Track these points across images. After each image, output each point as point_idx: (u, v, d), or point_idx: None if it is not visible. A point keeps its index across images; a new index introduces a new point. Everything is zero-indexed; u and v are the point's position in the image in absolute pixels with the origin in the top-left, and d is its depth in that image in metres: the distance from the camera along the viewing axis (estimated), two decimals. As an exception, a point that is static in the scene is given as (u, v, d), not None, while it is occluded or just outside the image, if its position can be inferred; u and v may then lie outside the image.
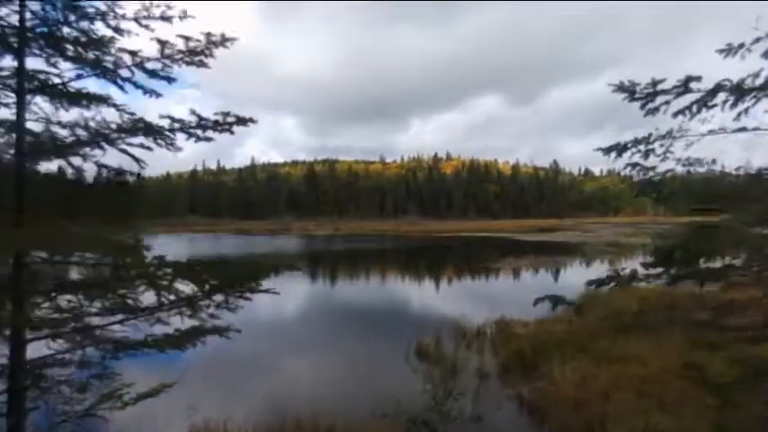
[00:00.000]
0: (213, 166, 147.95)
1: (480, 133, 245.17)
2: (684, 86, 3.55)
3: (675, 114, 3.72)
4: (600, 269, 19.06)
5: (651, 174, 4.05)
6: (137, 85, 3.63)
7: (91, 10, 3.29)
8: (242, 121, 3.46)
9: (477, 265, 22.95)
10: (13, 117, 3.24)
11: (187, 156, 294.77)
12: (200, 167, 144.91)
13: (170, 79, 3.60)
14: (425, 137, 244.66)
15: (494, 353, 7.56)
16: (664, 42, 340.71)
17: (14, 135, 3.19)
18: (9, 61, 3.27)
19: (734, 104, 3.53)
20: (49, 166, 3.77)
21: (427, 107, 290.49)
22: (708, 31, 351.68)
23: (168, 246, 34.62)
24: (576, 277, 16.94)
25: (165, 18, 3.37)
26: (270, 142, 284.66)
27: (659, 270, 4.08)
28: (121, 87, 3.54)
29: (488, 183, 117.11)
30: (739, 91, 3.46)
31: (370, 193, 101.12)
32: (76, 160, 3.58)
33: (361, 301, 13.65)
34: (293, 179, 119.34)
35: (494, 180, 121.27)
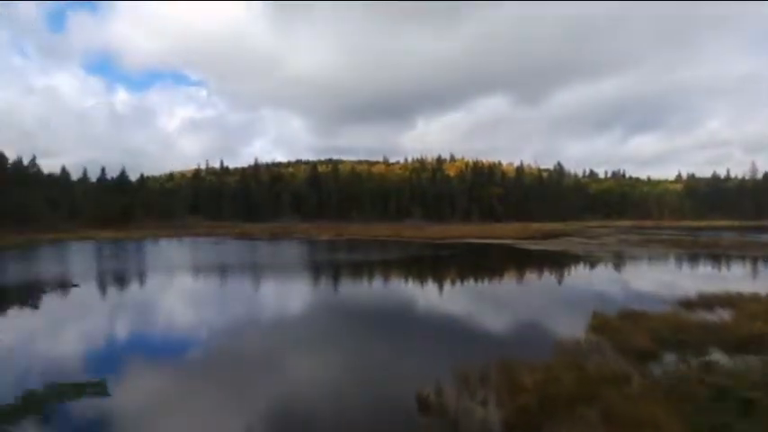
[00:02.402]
0: (219, 165, 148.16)
1: (485, 133, 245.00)
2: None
3: None
4: (608, 294, 18.55)
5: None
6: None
7: None
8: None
9: (478, 281, 22.51)
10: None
11: (192, 154, 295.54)
12: (203, 167, 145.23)
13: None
14: (430, 137, 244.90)
15: (498, 405, 7.08)
16: (670, 44, 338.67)
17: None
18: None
19: None
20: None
21: (433, 107, 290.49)
22: (714, 34, 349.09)
23: (170, 249, 34.26)
24: (582, 302, 16.42)
25: None
26: (276, 141, 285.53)
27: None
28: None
29: (492, 185, 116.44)
30: None
31: (373, 196, 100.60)
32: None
33: (357, 331, 13.15)
34: (297, 180, 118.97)
35: (497, 182, 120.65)
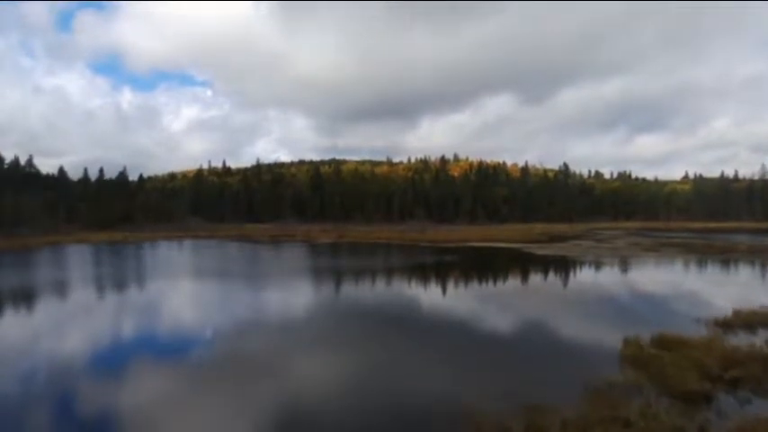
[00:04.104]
0: (221, 165, 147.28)
1: (489, 134, 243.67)
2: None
3: None
4: (633, 310, 17.10)
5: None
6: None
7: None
8: None
9: (488, 295, 21.11)
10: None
11: (197, 154, 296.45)
12: (205, 166, 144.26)
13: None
14: (435, 137, 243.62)
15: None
16: (675, 44, 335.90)
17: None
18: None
19: None
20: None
21: (437, 107, 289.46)
22: (720, 34, 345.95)
23: (167, 255, 32.44)
24: (606, 321, 14.95)
25: None
26: (280, 141, 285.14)
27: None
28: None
29: (497, 186, 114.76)
30: None
31: (376, 197, 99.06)
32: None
33: (356, 357, 11.73)
34: (298, 180, 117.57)
35: (502, 183, 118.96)
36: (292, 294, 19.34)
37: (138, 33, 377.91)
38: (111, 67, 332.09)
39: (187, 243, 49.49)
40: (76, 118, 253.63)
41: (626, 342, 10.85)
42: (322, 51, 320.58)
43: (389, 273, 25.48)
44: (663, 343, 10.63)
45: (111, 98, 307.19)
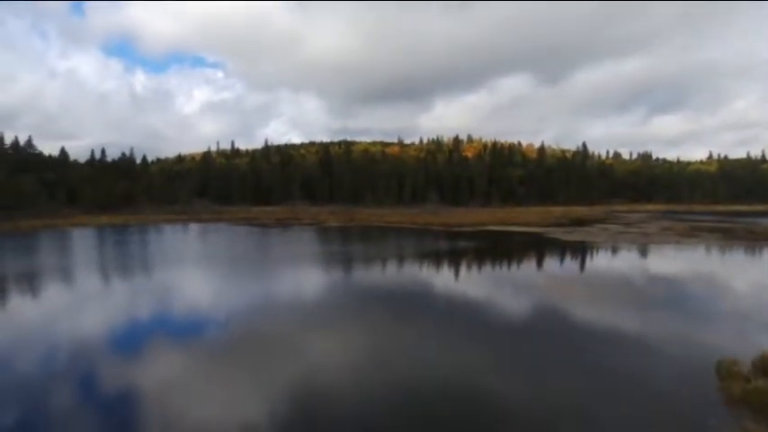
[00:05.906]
0: (230, 147, 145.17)
1: (504, 114, 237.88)
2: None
3: None
4: (702, 314, 14.14)
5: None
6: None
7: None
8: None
9: (515, 292, 18.24)
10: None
11: (210, 136, 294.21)
12: (214, 149, 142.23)
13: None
14: (449, 118, 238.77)
15: None
16: (692, 25, 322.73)
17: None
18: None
19: None
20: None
21: (451, 88, 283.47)
22: (741, 13, 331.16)
23: (172, 237, 30.06)
24: (676, 331, 12.07)
25: None
26: (291, 123, 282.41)
27: None
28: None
29: (512, 167, 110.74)
30: None
31: (387, 178, 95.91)
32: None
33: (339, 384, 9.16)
34: (308, 162, 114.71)
35: (518, 164, 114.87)
36: (301, 285, 16.76)
37: (150, 15, 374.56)
38: (123, 49, 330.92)
39: (190, 228, 47.33)
40: (90, 100, 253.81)
41: (721, 368, 8.03)
42: (334, 32, 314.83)
43: (402, 261, 22.80)
44: (775, 370, 7.81)
45: (124, 80, 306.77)
